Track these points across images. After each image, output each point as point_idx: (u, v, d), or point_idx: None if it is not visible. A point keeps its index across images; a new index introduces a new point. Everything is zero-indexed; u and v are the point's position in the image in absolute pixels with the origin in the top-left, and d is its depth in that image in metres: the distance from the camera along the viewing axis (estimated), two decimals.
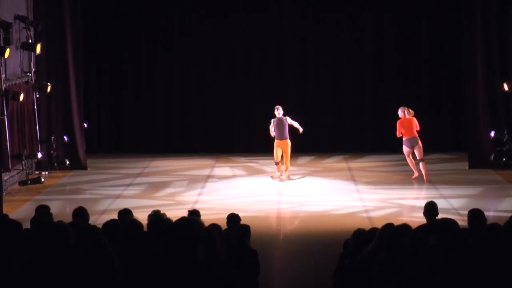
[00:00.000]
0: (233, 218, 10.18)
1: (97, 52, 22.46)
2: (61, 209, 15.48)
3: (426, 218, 9.59)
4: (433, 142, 22.28)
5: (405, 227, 7.53)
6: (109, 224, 8.49)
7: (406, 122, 18.28)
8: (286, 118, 18.69)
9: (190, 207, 13.56)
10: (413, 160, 18.42)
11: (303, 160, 21.50)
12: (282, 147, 18.63)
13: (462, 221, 8.95)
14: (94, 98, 22.74)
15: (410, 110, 18.43)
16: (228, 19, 22.63)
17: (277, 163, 18.83)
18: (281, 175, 18.84)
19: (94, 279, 5.94)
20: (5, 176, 17.63)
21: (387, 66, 22.65)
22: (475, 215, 8.67)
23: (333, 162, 21.19)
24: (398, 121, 18.42)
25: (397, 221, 8.05)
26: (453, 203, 15.81)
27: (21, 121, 18.75)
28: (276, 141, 18.70)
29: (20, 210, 15.58)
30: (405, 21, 22.43)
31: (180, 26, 22.72)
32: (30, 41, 19.12)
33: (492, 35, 19.38)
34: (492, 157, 19.36)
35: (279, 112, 18.60)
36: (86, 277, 5.93)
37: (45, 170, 19.58)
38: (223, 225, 9.87)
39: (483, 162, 19.42)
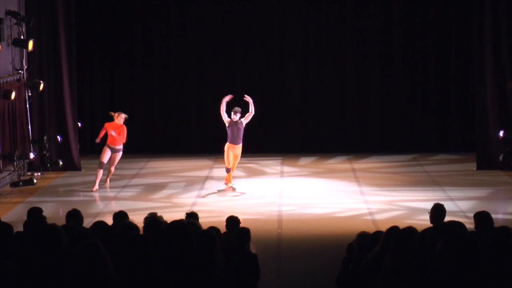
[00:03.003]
0: (232, 221, 10.01)
1: (91, 49, 22.36)
2: (54, 211, 15.45)
3: (433, 221, 9.36)
4: (441, 142, 22.27)
5: (411, 230, 7.49)
6: (99, 225, 8.36)
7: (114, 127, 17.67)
8: (241, 122, 17.30)
9: (188, 209, 13.48)
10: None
11: (305, 160, 21.39)
12: (236, 152, 17.40)
13: (470, 224, 8.90)
14: (88, 96, 22.60)
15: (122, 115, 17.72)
16: (227, 18, 22.45)
17: (229, 170, 17.46)
18: (232, 184, 17.60)
19: (87, 282, 5.78)
20: None
21: (393, 64, 22.51)
22: (481, 217, 8.73)
23: (336, 163, 20.98)
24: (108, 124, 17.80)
25: (402, 224, 7.99)
26: (461, 206, 15.67)
27: (12, 120, 18.56)
28: (229, 145, 17.37)
29: (12, 213, 15.47)
30: (412, 20, 22.32)
31: (178, 24, 22.64)
32: (22, 37, 19.00)
33: (502, 34, 19.28)
34: (501, 157, 19.23)
35: (237, 116, 17.18)
36: (79, 281, 5.78)
37: (37, 171, 19.45)
38: (222, 228, 9.80)
39: (492, 163, 19.30)
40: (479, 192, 17.19)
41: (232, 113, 17.22)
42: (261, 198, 16.89)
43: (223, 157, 17.61)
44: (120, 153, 17.68)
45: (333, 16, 22.43)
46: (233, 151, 17.33)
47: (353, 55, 22.46)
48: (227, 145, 17.40)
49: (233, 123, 17.25)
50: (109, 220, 9.45)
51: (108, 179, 17.86)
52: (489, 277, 6.00)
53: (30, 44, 18.67)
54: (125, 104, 22.39)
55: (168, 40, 22.55)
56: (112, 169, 17.80)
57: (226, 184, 17.56)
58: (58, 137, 19.57)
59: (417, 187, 17.75)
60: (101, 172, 17.50)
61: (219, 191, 17.48)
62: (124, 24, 22.35)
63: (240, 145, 17.40)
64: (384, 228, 8.22)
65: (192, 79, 22.66)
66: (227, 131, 17.35)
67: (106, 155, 17.53)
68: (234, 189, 17.47)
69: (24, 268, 6.25)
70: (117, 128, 17.53)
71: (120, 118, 17.59)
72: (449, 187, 17.49)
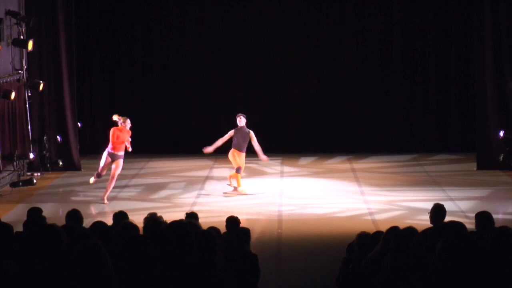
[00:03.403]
0: (232, 221, 9.96)
1: (91, 49, 22.32)
2: (54, 211, 15.41)
3: (433, 221, 9.33)
4: (441, 142, 22.25)
5: (411, 230, 7.46)
6: (99, 225, 8.28)
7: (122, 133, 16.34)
8: (250, 132, 17.14)
9: (188, 209, 13.43)
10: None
11: (305, 160, 21.35)
12: (241, 160, 17.17)
13: (470, 224, 8.90)
14: (88, 96, 22.54)
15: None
16: (227, 18, 22.42)
17: (239, 170, 17.12)
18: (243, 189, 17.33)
19: (87, 282, 5.75)
20: None
21: (393, 64, 22.47)
22: (483, 217, 8.68)
23: (336, 163, 20.95)
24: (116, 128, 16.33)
25: (402, 224, 7.96)
26: (461, 206, 15.64)
27: (12, 120, 18.50)
28: (233, 150, 17.08)
29: (11, 213, 15.41)
30: (412, 20, 22.29)
31: (178, 24, 22.61)
32: (21, 37, 18.97)
33: (502, 34, 19.25)
34: (501, 157, 19.20)
35: (241, 121, 17.08)
36: (79, 281, 5.76)
37: (37, 171, 19.41)
38: (222, 228, 9.74)
39: (492, 163, 19.27)
40: (479, 192, 17.14)
41: (237, 119, 17.14)
42: (261, 198, 16.83)
43: (223, 158, 17.53)
44: (122, 159, 16.49)
45: (333, 16, 22.38)
46: (237, 156, 17.17)
47: (353, 55, 22.41)
48: (231, 151, 17.20)
49: (238, 131, 17.12)
50: (109, 220, 9.42)
51: (106, 196, 16.35)
52: (489, 277, 5.99)
53: (30, 44, 18.63)
54: (125, 104, 22.38)
55: (168, 40, 22.50)
56: (114, 182, 16.38)
57: (231, 185, 17.41)
58: (58, 137, 19.52)
59: (417, 187, 17.70)
60: (96, 179, 16.67)
61: (225, 193, 17.33)
62: (124, 24, 22.30)
63: (244, 154, 17.23)
64: (384, 228, 8.19)
65: (192, 79, 22.60)
66: (233, 139, 17.17)
67: (106, 167, 16.51)
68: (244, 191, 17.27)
69: (24, 268, 6.22)
70: (128, 134, 16.46)
71: (128, 123, 16.42)
72: (449, 187, 17.44)
